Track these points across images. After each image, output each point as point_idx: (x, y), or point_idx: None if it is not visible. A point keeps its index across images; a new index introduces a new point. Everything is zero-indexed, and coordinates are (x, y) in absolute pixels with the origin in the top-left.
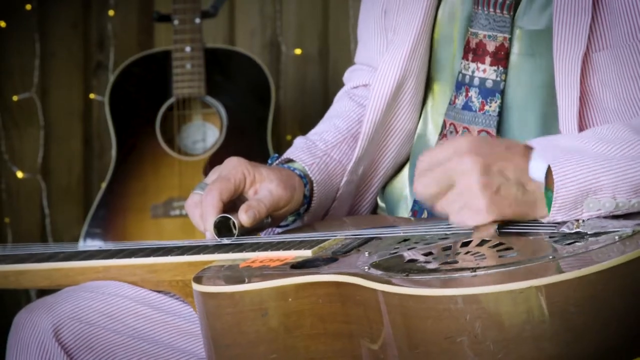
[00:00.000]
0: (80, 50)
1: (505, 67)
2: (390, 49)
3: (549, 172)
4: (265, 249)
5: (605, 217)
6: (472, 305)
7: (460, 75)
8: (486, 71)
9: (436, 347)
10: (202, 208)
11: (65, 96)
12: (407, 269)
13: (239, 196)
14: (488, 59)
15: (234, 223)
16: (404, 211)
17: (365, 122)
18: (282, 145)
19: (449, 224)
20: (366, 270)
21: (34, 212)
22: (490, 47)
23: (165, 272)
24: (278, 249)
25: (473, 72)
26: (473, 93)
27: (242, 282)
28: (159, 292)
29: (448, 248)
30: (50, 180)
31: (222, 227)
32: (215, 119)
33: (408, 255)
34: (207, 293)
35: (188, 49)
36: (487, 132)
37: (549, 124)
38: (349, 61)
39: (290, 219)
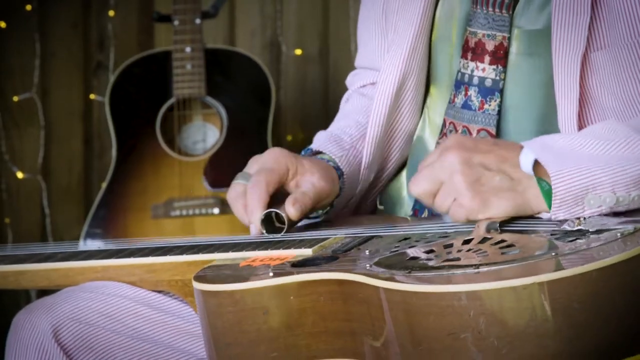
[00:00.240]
0: (81, 51)
1: (504, 66)
2: (389, 52)
3: (537, 164)
4: (266, 248)
5: (606, 215)
6: (476, 302)
7: (460, 74)
8: (485, 70)
9: (439, 343)
10: (247, 200)
11: (66, 96)
12: (409, 266)
13: (280, 188)
14: (487, 58)
15: (276, 217)
16: (403, 212)
17: (369, 127)
18: (282, 146)
19: (449, 223)
20: (368, 268)
21: (34, 213)
22: (490, 46)
23: (164, 272)
24: (278, 248)
25: (472, 71)
26: (472, 92)
27: (242, 280)
28: (158, 292)
29: (449, 246)
30: (51, 180)
31: (271, 221)
32: (215, 120)
33: (410, 252)
34: (208, 292)
35: (188, 49)
36: (487, 131)
37: (548, 124)
38: (349, 61)
39: (321, 211)
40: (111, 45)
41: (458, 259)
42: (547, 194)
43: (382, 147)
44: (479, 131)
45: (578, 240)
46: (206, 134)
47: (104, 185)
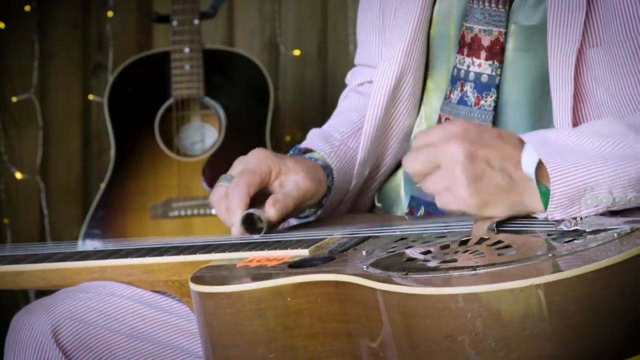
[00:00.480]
0: (79, 51)
1: (501, 62)
2: (388, 47)
3: (540, 166)
4: (262, 249)
5: (603, 215)
6: (473, 304)
7: (455, 69)
8: (481, 66)
9: (436, 345)
10: (228, 202)
11: (64, 97)
12: (406, 268)
13: (264, 189)
14: (483, 54)
15: (259, 218)
16: (400, 211)
17: (366, 122)
18: (281, 146)
19: (446, 223)
20: (364, 269)
21: (33, 213)
22: (486, 41)
23: (160, 273)
24: (275, 249)
25: (468, 66)
26: (468, 88)
27: (239, 281)
28: (156, 292)
29: (446, 246)
30: (49, 180)
31: (249, 222)
32: (214, 120)
33: (407, 253)
34: (204, 293)
35: (187, 49)
36: None
37: (543, 120)
38: (347, 62)
39: (310, 211)
40: (110, 46)
41: (455, 261)
42: (545, 195)
43: (379, 142)
44: None
45: (575, 241)
46: (205, 135)
47: (103, 185)
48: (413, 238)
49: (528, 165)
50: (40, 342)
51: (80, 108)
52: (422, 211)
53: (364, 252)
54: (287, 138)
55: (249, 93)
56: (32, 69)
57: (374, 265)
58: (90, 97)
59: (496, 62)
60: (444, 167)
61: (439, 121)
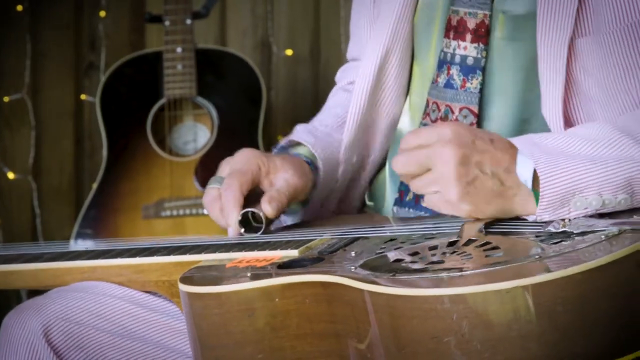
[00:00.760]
0: (72, 51)
1: (486, 44)
2: (374, 31)
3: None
4: (252, 249)
5: (591, 216)
6: (459, 305)
7: (442, 53)
8: (467, 48)
9: (423, 346)
10: (222, 203)
11: (57, 97)
12: (394, 269)
13: (255, 188)
14: (469, 36)
15: (253, 216)
16: (387, 201)
17: (352, 105)
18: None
19: (435, 224)
20: (353, 270)
21: (25, 213)
22: (471, 24)
23: (151, 273)
24: (264, 249)
25: (454, 49)
26: (454, 71)
27: (228, 282)
28: (146, 292)
29: (434, 248)
30: (42, 180)
31: (249, 221)
32: (206, 120)
33: (394, 255)
34: (193, 293)
35: (179, 49)
36: (469, 109)
37: (530, 107)
38: (340, 61)
39: (296, 206)
40: (102, 46)
41: (443, 262)
42: (537, 196)
43: (365, 127)
44: (461, 109)
45: (563, 242)
46: (197, 134)
47: (95, 185)
48: (402, 239)
49: (524, 170)
50: (32, 342)
51: (73, 108)
52: (410, 195)
53: (353, 253)
54: (280, 138)
55: (242, 93)
56: (24, 69)
57: (363, 266)
58: (83, 97)
59: (481, 45)
60: (436, 171)
61: (427, 105)
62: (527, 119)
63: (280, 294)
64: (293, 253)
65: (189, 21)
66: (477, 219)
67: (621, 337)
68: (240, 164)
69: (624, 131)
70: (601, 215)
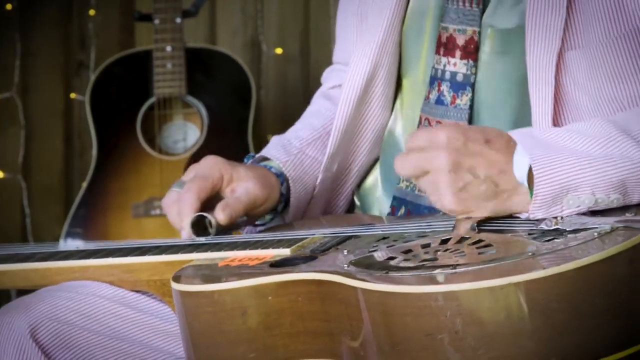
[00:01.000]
0: (61, 50)
1: (475, 61)
2: (361, 42)
3: (530, 169)
4: (244, 248)
5: (584, 214)
6: (453, 302)
7: (433, 70)
8: (457, 65)
9: (417, 344)
10: (179, 206)
11: (46, 96)
12: (387, 267)
13: (216, 195)
14: (458, 53)
15: (210, 222)
16: (378, 211)
17: (337, 115)
18: (263, 145)
19: (427, 222)
20: (345, 268)
21: (15, 212)
22: (460, 40)
23: (142, 272)
24: (256, 248)
25: (444, 66)
26: (445, 87)
27: (221, 281)
28: (137, 292)
29: (427, 245)
30: (31, 179)
31: (199, 225)
32: (196, 119)
33: (387, 253)
34: (186, 292)
35: (169, 48)
36: None
37: (521, 121)
38: (329, 61)
39: (268, 217)
40: (92, 45)
41: (435, 259)
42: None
43: (350, 137)
44: None
45: (555, 240)
46: (187, 133)
47: (85, 184)
48: (394, 237)
49: (520, 168)
50: (19, 342)
51: (62, 107)
52: (402, 211)
53: (345, 252)
54: (269, 137)
55: (231, 91)
56: (13, 68)
57: (355, 264)
58: (72, 95)
59: (471, 61)
60: (431, 174)
61: (420, 122)
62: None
63: (273, 292)
64: (285, 252)
65: (178, 20)
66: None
67: (615, 334)
68: (203, 170)
69: (623, 129)
70: (593, 213)
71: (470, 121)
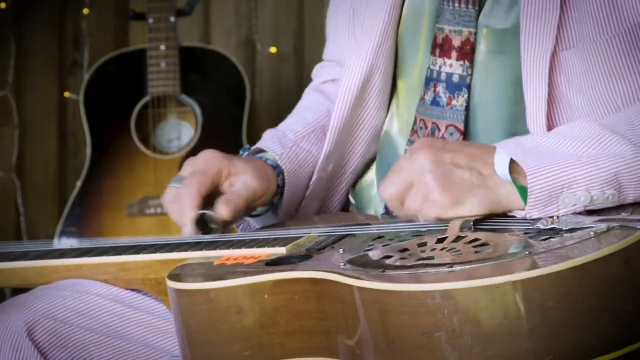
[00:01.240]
0: (56, 49)
1: (471, 62)
2: (357, 44)
3: (513, 165)
4: (239, 247)
5: (580, 213)
6: (449, 301)
7: (429, 71)
8: (452, 66)
9: (413, 342)
10: (180, 203)
11: (40, 95)
12: (383, 265)
13: (215, 189)
14: (454, 54)
15: (210, 218)
16: (374, 210)
17: (333, 116)
18: None
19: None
20: (342, 266)
21: (9, 211)
22: (456, 42)
23: (137, 270)
24: (252, 247)
25: (440, 67)
26: (440, 88)
27: (216, 279)
28: (132, 290)
29: (423, 244)
30: (25, 179)
31: (201, 222)
32: (190, 118)
33: (383, 251)
34: (181, 290)
35: (163, 47)
36: (455, 127)
37: (516, 122)
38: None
39: (262, 209)
40: (86, 44)
41: (432, 258)
42: (522, 191)
43: (345, 138)
44: (447, 127)
45: (551, 239)
46: (181, 132)
47: (79, 183)
48: (390, 236)
49: (500, 165)
50: (16, 340)
51: (57, 106)
52: None
53: (341, 250)
54: None
55: (226, 90)
56: (7, 67)
57: (351, 262)
58: (67, 94)
59: (467, 62)
60: (416, 180)
61: (415, 122)
62: (515, 133)
63: (269, 290)
64: (281, 250)
65: (172, 19)
66: (466, 217)
67: (611, 333)
68: (201, 165)
69: (610, 129)
70: (589, 212)
71: (466, 122)
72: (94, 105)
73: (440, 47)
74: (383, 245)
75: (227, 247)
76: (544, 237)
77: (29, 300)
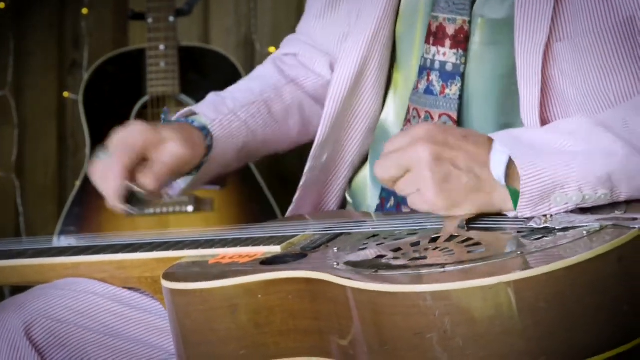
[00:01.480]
0: (55, 49)
1: (465, 50)
2: (353, 32)
3: (509, 166)
4: (235, 245)
5: (572, 212)
6: (441, 302)
7: (423, 59)
8: (446, 54)
9: (405, 343)
10: (105, 176)
11: (40, 94)
12: (376, 265)
13: (142, 160)
14: (448, 42)
15: (134, 189)
16: (369, 202)
17: (326, 104)
18: None
19: (417, 220)
20: (335, 266)
21: (9, 211)
22: (450, 30)
23: (134, 269)
24: (247, 245)
25: (434, 55)
26: (434, 77)
27: (211, 278)
28: (129, 288)
29: (417, 244)
30: (25, 178)
31: (129, 195)
32: None
33: (377, 251)
34: (176, 290)
35: (162, 47)
36: (448, 116)
37: (509, 112)
38: None
39: (193, 172)
40: (85, 44)
41: (424, 258)
42: (515, 195)
43: (340, 127)
44: (440, 116)
45: (544, 238)
46: None
47: (78, 183)
48: (384, 235)
49: (497, 165)
50: (13, 340)
51: (56, 106)
52: (392, 202)
53: (335, 249)
54: None
55: None
56: (7, 67)
57: (345, 262)
58: (66, 94)
59: (460, 51)
60: (413, 170)
61: (408, 112)
62: (508, 124)
63: (264, 290)
64: (276, 249)
65: (172, 18)
66: (456, 215)
67: (604, 333)
68: (127, 137)
69: (603, 126)
70: (583, 211)
71: (460, 111)
72: (94, 105)
73: (435, 36)
74: (377, 244)
75: (223, 246)
76: (537, 237)
77: (26, 299)
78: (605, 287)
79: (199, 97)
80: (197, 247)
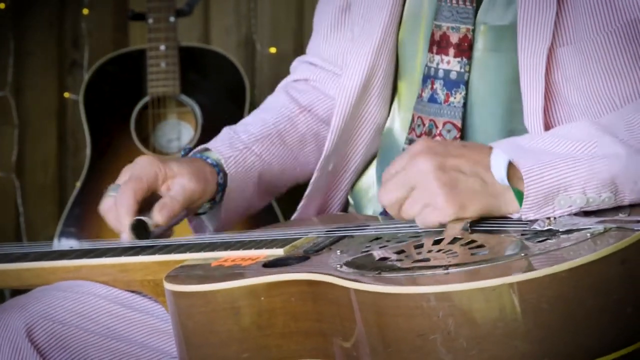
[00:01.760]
0: (55, 49)
1: (469, 59)
2: (357, 44)
3: (511, 168)
4: (237, 248)
5: (576, 214)
6: (445, 303)
7: (426, 68)
8: (450, 63)
9: (409, 344)
10: (116, 210)
11: (40, 95)
12: (379, 267)
13: (152, 194)
14: (452, 51)
15: (146, 224)
16: (372, 210)
17: (334, 117)
18: None
19: None
20: (338, 268)
21: (9, 212)
22: (454, 38)
23: (136, 272)
24: (250, 248)
25: (438, 64)
26: (438, 85)
27: (214, 281)
28: (131, 291)
29: (420, 246)
30: (25, 179)
31: (139, 228)
32: (190, 118)
33: (380, 253)
34: (179, 292)
35: (163, 47)
36: (452, 124)
37: (514, 120)
38: None
39: (207, 205)
40: (85, 44)
41: (428, 260)
42: (519, 195)
43: (347, 137)
44: (444, 124)
45: (548, 241)
46: (181, 132)
47: (79, 184)
48: (387, 237)
49: (497, 168)
50: (15, 341)
51: (56, 106)
52: None
53: (338, 252)
54: None
55: (225, 91)
56: (7, 67)
57: (348, 264)
58: (66, 95)
59: (464, 59)
60: (418, 185)
61: (412, 120)
62: (512, 131)
63: (266, 292)
64: (278, 252)
65: (172, 19)
66: (463, 218)
67: (607, 335)
68: (137, 171)
69: (606, 130)
70: (586, 214)
71: (464, 119)
72: (94, 106)
73: (438, 44)
74: (380, 247)
75: (225, 249)
76: (541, 239)
77: (28, 301)
78: (609, 289)
79: (199, 97)
80: (199, 250)
